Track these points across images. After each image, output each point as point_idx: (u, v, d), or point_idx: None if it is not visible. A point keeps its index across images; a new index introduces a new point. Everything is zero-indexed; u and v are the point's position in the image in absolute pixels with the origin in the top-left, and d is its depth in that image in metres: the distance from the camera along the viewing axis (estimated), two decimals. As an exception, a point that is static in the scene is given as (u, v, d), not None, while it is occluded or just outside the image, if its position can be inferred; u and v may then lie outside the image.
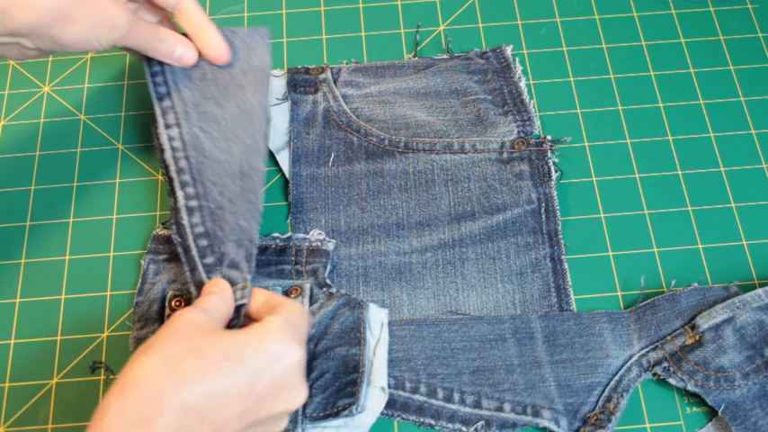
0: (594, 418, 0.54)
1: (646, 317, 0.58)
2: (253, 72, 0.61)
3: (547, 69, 0.69)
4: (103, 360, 0.57)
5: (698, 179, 0.64)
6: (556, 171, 0.63)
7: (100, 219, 0.63)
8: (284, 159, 0.64)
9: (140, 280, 0.59)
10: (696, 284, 0.59)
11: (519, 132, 0.65)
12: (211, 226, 0.55)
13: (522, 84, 0.67)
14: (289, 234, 0.60)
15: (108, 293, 0.60)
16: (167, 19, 0.62)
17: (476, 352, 0.57)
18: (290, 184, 0.63)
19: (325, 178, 0.64)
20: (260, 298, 0.51)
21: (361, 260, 0.60)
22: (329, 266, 0.59)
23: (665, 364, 0.55)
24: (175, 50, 0.58)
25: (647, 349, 0.56)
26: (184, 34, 0.60)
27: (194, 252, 0.54)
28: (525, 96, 0.66)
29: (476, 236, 0.61)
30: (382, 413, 0.55)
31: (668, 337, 0.56)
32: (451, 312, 0.59)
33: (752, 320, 0.55)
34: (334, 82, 0.68)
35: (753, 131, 0.66)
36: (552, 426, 0.54)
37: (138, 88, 0.68)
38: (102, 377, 0.57)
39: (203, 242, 0.54)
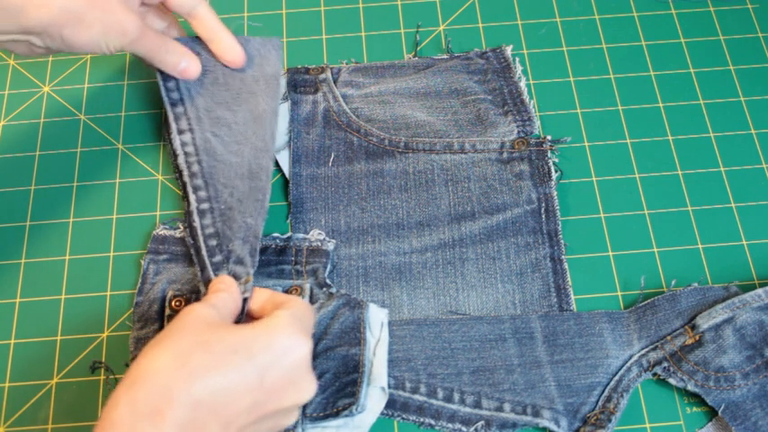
0: (594, 418, 0.54)
1: (646, 317, 0.58)
2: (265, 79, 0.63)
3: (547, 69, 0.69)
4: (103, 360, 0.57)
5: (698, 179, 0.64)
6: (556, 171, 0.63)
7: (100, 219, 0.63)
8: (284, 159, 0.64)
9: (140, 280, 0.59)
10: (696, 284, 0.59)
11: (519, 132, 0.65)
12: (221, 226, 0.56)
13: (522, 84, 0.67)
14: (289, 234, 0.60)
15: (108, 293, 0.60)
16: (175, 24, 0.63)
17: (476, 352, 0.57)
18: (290, 184, 0.63)
19: (325, 178, 0.64)
20: (262, 296, 0.52)
21: (361, 260, 0.60)
22: (329, 266, 0.59)
23: (665, 364, 0.55)
24: (180, 63, 0.60)
25: (647, 349, 0.56)
26: (197, 37, 0.62)
27: (204, 252, 0.55)
28: (525, 96, 0.66)
29: (476, 236, 0.61)
30: (382, 413, 0.55)
31: (668, 337, 0.56)
32: (451, 312, 0.59)
33: (752, 320, 0.55)
34: (334, 82, 0.68)
35: (753, 131, 0.66)
36: (552, 426, 0.54)
37: (138, 88, 0.68)
38: (102, 377, 0.57)
39: (213, 242, 0.56)
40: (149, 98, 0.68)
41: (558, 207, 0.61)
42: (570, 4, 0.72)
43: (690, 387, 0.55)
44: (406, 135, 0.65)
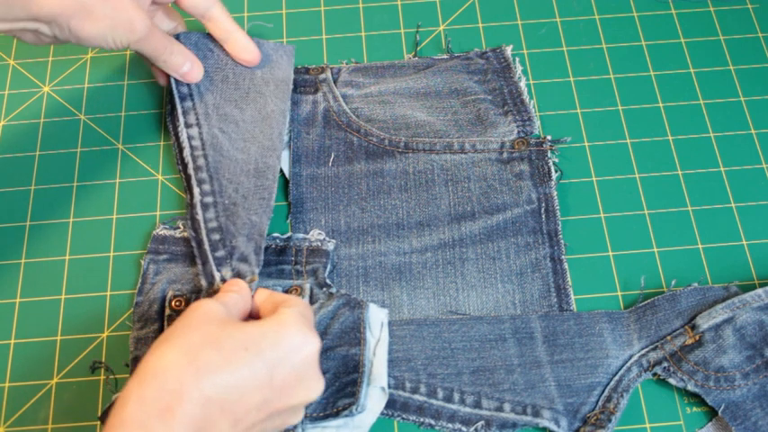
0: (594, 418, 0.54)
1: (646, 317, 0.58)
2: (275, 82, 0.64)
3: (547, 69, 0.69)
4: (103, 360, 0.57)
5: (698, 179, 0.64)
6: (556, 171, 0.63)
7: (100, 219, 0.63)
8: (284, 159, 0.64)
9: (140, 280, 0.59)
10: (696, 284, 0.59)
11: (519, 132, 0.65)
12: (224, 221, 0.57)
13: (522, 84, 0.67)
14: (289, 234, 0.60)
15: (108, 293, 0.60)
16: (183, 26, 0.64)
17: (476, 352, 0.57)
18: (290, 184, 0.63)
19: (325, 178, 0.64)
20: (260, 296, 0.52)
21: (361, 260, 0.60)
22: (329, 266, 0.59)
23: (665, 364, 0.55)
24: (183, 65, 0.60)
25: (647, 349, 0.56)
26: (208, 35, 0.63)
27: (206, 246, 0.56)
28: (525, 96, 0.66)
29: (476, 236, 0.61)
30: (382, 413, 0.55)
31: (668, 337, 0.56)
32: (451, 312, 0.59)
33: (752, 320, 0.55)
34: (334, 82, 0.68)
35: (753, 131, 0.66)
36: (552, 426, 0.54)
37: (138, 88, 0.68)
38: (102, 377, 0.57)
39: (215, 236, 0.56)
40: (149, 98, 0.68)
41: (558, 207, 0.61)
42: (570, 4, 0.72)
43: (690, 387, 0.55)
44: (406, 135, 0.65)
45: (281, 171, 0.64)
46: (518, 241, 0.61)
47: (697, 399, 0.56)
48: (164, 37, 0.58)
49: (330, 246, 0.60)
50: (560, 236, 0.61)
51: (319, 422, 0.53)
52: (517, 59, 0.68)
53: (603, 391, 0.55)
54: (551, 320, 0.58)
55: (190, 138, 0.60)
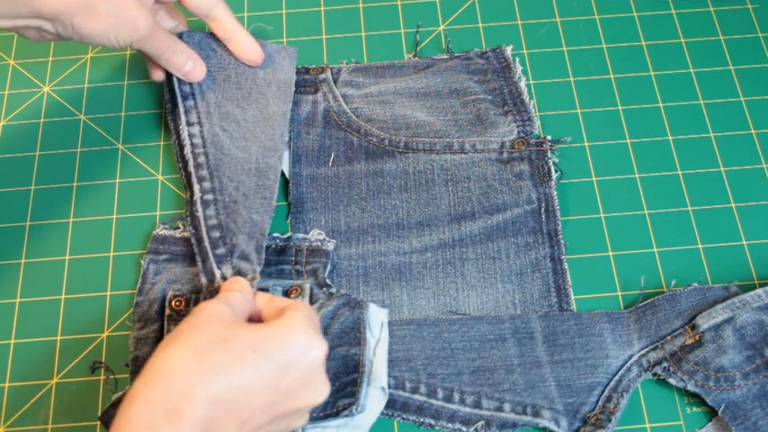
0: (594, 418, 0.54)
1: (646, 317, 0.58)
2: (276, 83, 0.64)
3: (547, 69, 0.69)
4: (103, 360, 0.57)
5: (698, 179, 0.64)
6: (556, 171, 0.63)
7: (100, 219, 0.63)
8: (284, 159, 0.64)
9: (140, 280, 0.59)
10: (696, 284, 0.59)
11: (519, 132, 0.65)
12: (225, 219, 0.57)
13: (522, 84, 0.67)
14: (289, 234, 0.60)
15: (108, 293, 0.60)
16: (184, 24, 0.64)
17: (476, 352, 0.57)
18: (290, 184, 0.63)
19: (325, 178, 0.64)
20: (262, 299, 0.52)
21: (361, 260, 0.60)
22: (329, 266, 0.59)
23: (665, 364, 0.55)
24: (186, 65, 0.61)
25: (647, 349, 0.56)
26: (211, 34, 0.64)
27: (206, 243, 0.56)
28: (525, 96, 0.66)
29: (476, 236, 0.61)
30: (382, 413, 0.55)
31: (668, 337, 0.56)
32: (451, 312, 0.59)
33: (752, 320, 0.55)
34: (335, 82, 0.68)
35: (753, 131, 0.66)
36: (552, 426, 0.54)
37: (138, 88, 0.68)
38: (102, 377, 0.57)
39: (216, 234, 0.56)
40: (149, 98, 0.68)
41: (558, 207, 0.61)
42: (570, 4, 0.72)
43: (690, 387, 0.55)
44: (406, 135, 0.65)
45: (282, 171, 0.64)
46: (518, 241, 0.61)
47: (697, 399, 0.56)
48: (166, 36, 0.59)
49: (330, 246, 0.60)
50: (560, 236, 0.61)
51: (319, 422, 0.53)
52: (517, 59, 0.68)
53: (603, 391, 0.55)
54: (551, 320, 0.58)
55: (191, 135, 0.60)
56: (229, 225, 0.57)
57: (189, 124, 0.61)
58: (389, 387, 0.55)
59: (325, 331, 0.55)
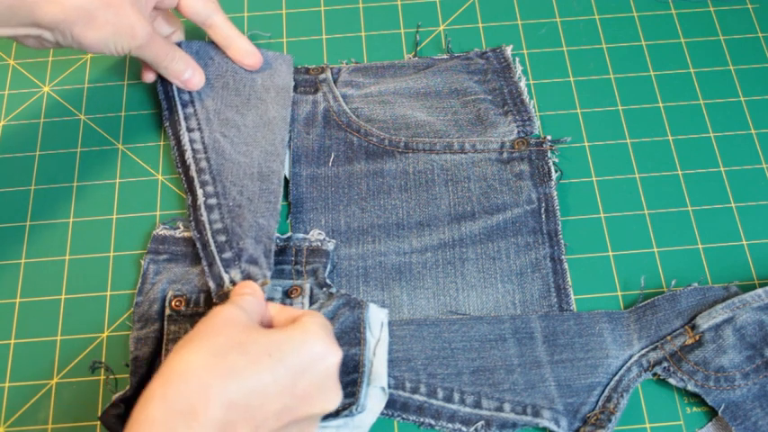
0: (594, 418, 0.54)
1: (646, 317, 0.58)
2: (275, 89, 0.65)
3: (547, 69, 0.69)
4: (103, 360, 0.57)
5: (698, 179, 0.64)
6: (556, 171, 0.63)
7: (100, 219, 0.63)
8: (285, 159, 0.64)
9: (140, 280, 0.59)
10: (696, 284, 0.59)
11: (519, 132, 0.65)
12: (230, 223, 0.57)
13: (522, 84, 0.67)
14: (289, 234, 0.60)
15: (108, 293, 0.60)
16: (181, 30, 0.65)
17: (476, 352, 0.57)
18: (290, 184, 0.63)
19: (325, 178, 0.64)
20: (273, 308, 0.52)
21: (361, 260, 0.60)
22: (329, 266, 0.59)
23: (665, 364, 0.55)
24: (184, 72, 0.61)
25: (647, 349, 0.56)
26: (209, 41, 0.65)
27: (213, 247, 0.56)
28: (525, 96, 0.66)
29: (476, 236, 0.61)
30: (382, 413, 0.55)
31: (668, 337, 0.56)
32: (451, 312, 0.59)
33: (752, 320, 0.55)
34: (335, 82, 0.68)
35: (753, 131, 0.66)
36: (552, 426, 0.54)
37: (138, 88, 0.68)
38: (102, 377, 0.57)
39: (221, 238, 0.57)
40: (149, 98, 0.68)
41: (558, 207, 0.61)
42: (570, 4, 0.72)
43: (690, 387, 0.55)
44: (406, 135, 0.65)
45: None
46: (518, 241, 0.61)
47: (697, 399, 0.56)
48: (165, 43, 0.59)
49: (330, 246, 0.60)
50: (560, 236, 0.61)
51: (319, 422, 0.53)
52: (517, 59, 0.68)
53: (603, 391, 0.55)
54: (551, 320, 0.58)
55: (191, 141, 0.61)
56: (235, 229, 0.57)
57: (189, 130, 0.61)
58: (389, 387, 0.55)
59: (326, 331, 0.55)
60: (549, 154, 0.63)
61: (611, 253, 0.61)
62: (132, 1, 0.55)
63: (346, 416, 0.52)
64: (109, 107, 0.67)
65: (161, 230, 0.61)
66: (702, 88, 0.68)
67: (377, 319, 0.56)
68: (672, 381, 0.55)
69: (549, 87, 0.68)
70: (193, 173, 0.60)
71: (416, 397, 0.55)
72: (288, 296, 0.56)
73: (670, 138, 0.66)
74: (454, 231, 0.61)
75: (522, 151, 0.64)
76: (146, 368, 0.55)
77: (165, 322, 0.56)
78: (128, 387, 0.55)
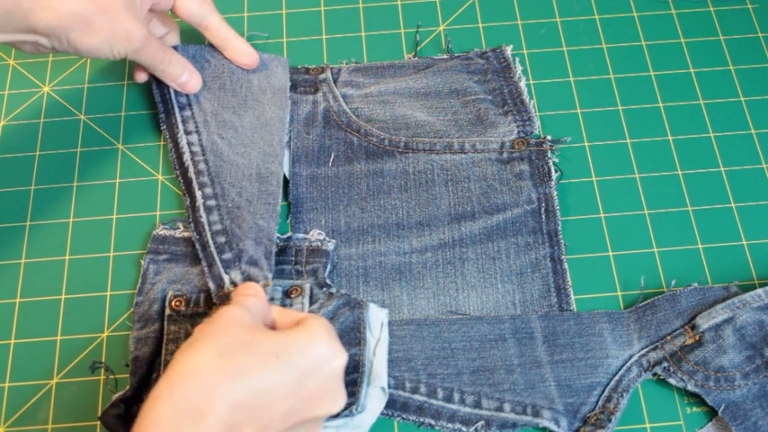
0: (594, 418, 0.54)
1: (646, 317, 0.58)
2: (272, 90, 0.65)
3: (547, 69, 0.69)
4: (103, 360, 0.57)
5: (698, 179, 0.64)
6: (556, 171, 0.63)
7: (100, 219, 0.63)
8: (284, 159, 0.64)
9: (140, 280, 0.59)
10: (696, 284, 0.59)
11: (519, 132, 0.65)
12: (229, 224, 0.57)
13: (522, 84, 0.67)
14: (289, 234, 0.60)
15: (108, 293, 0.60)
16: (176, 31, 0.65)
17: (476, 352, 0.57)
18: (290, 184, 0.63)
19: (325, 178, 0.64)
20: (276, 310, 0.52)
21: (361, 260, 0.60)
22: (329, 266, 0.59)
23: (665, 364, 0.55)
24: (181, 75, 0.62)
25: (647, 349, 0.56)
26: (205, 45, 0.65)
27: (212, 248, 0.56)
28: (525, 96, 0.66)
29: (476, 236, 0.61)
30: (382, 413, 0.55)
31: (668, 337, 0.56)
32: (451, 312, 0.59)
33: (752, 320, 0.55)
34: (335, 82, 0.68)
35: (753, 131, 0.66)
36: (552, 426, 0.54)
37: (138, 88, 0.68)
38: (102, 377, 0.57)
39: (221, 239, 0.57)
40: (149, 98, 0.68)
41: (558, 207, 0.61)
42: (570, 4, 0.72)
43: (690, 387, 0.55)
44: (406, 135, 0.65)
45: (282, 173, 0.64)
46: (518, 241, 0.61)
47: (697, 399, 0.56)
48: (161, 47, 0.59)
49: (330, 246, 0.60)
50: (560, 236, 0.61)
51: (319, 422, 0.53)
52: (517, 59, 0.68)
53: (603, 391, 0.55)
54: (551, 320, 0.58)
55: (189, 144, 0.61)
56: (234, 230, 0.57)
57: (187, 133, 0.61)
58: (389, 387, 0.55)
59: (326, 331, 0.55)
60: (549, 154, 0.63)
61: (611, 253, 0.61)
62: (127, 5, 0.55)
63: (346, 416, 0.52)
64: (109, 107, 0.67)
65: (161, 230, 0.61)
66: (702, 88, 0.68)
67: (377, 319, 0.56)
68: (672, 381, 0.55)
69: (549, 87, 0.68)
70: (192, 174, 0.60)
71: (416, 397, 0.55)
72: (288, 296, 0.56)
73: (670, 138, 0.66)
74: (454, 231, 0.61)
75: (522, 151, 0.64)
76: (146, 368, 0.55)
77: (165, 322, 0.56)
78: (128, 387, 0.55)
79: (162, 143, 0.66)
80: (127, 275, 0.60)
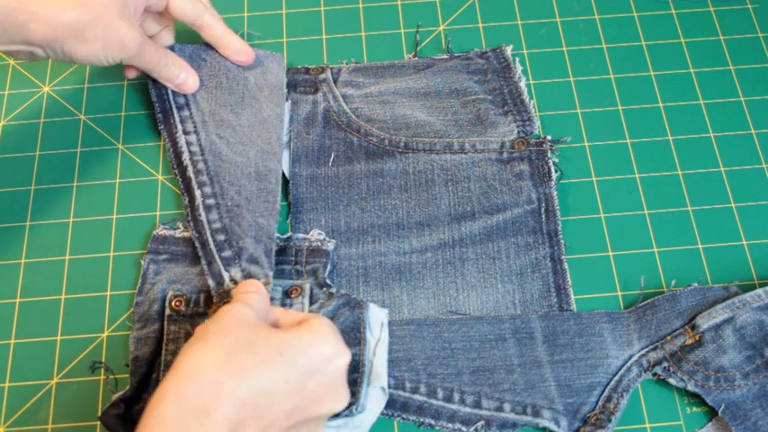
0: (594, 418, 0.54)
1: (646, 317, 0.58)
2: (268, 87, 0.65)
3: (547, 69, 0.69)
4: (103, 360, 0.57)
5: (698, 179, 0.64)
6: (556, 171, 0.63)
7: (100, 219, 0.63)
8: (284, 159, 0.64)
9: (140, 280, 0.59)
10: (696, 284, 0.59)
11: (519, 132, 0.65)
12: (229, 222, 0.57)
13: (522, 84, 0.67)
14: (289, 234, 0.60)
15: (108, 293, 0.60)
16: (171, 28, 0.65)
17: (476, 352, 0.57)
18: (290, 184, 0.63)
19: (325, 178, 0.64)
20: (278, 309, 0.52)
21: (361, 260, 0.60)
22: (329, 266, 0.59)
23: (665, 364, 0.55)
24: (178, 76, 0.62)
25: (647, 349, 0.56)
26: (200, 45, 0.65)
27: (212, 246, 0.56)
28: (525, 96, 0.66)
29: (476, 236, 0.61)
30: (382, 413, 0.55)
31: (668, 337, 0.56)
32: (451, 312, 0.59)
33: (752, 320, 0.55)
34: (335, 82, 0.68)
35: (753, 131, 0.66)
36: (552, 426, 0.54)
37: (138, 88, 0.68)
38: (102, 377, 0.57)
39: (220, 237, 0.57)
40: (149, 98, 0.67)
41: (558, 207, 0.61)
42: (570, 4, 0.72)
43: (690, 387, 0.55)
44: (406, 135, 0.65)
45: (282, 171, 0.64)
46: (518, 241, 0.61)
47: (697, 399, 0.56)
48: (157, 50, 0.59)
49: (330, 246, 0.60)
50: (560, 236, 0.61)
51: (319, 422, 0.53)
52: (517, 59, 0.68)
53: (603, 391, 0.55)
54: (551, 320, 0.58)
55: (188, 143, 0.61)
56: (234, 228, 0.57)
57: (185, 133, 0.62)
58: (389, 387, 0.55)
59: (326, 331, 0.55)
60: (549, 154, 0.63)
61: (611, 253, 0.61)
62: (121, 12, 0.55)
63: (346, 416, 0.52)
64: (109, 107, 0.67)
65: (161, 230, 0.61)
66: (702, 88, 0.68)
67: (377, 319, 0.56)
68: (672, 381, 0.55)
69: (549, 87, 0.68)
70: (191, 174, 0.60)
71: (416, 397, 0.55)
72: (288, 296, 0.56)
73: (670, 138, 0.66)
74: (454, 231, 0.61)
75: (522, 151, 0.64)
76: (146, 368, 0.55)
77: (165, 322, 0.56)
78: (128, 387, 0.55)
79: (162, 143, 0.66)
80: (127, 275, 0.60)
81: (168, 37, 0.64)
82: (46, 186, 0.64)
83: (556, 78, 0.68)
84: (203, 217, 0.58)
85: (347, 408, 0.52)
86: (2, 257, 0.61)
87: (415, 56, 0.70)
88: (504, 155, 0.64)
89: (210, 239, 0.57)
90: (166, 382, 0.42)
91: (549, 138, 0.64)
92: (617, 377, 0.55)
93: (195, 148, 0.61)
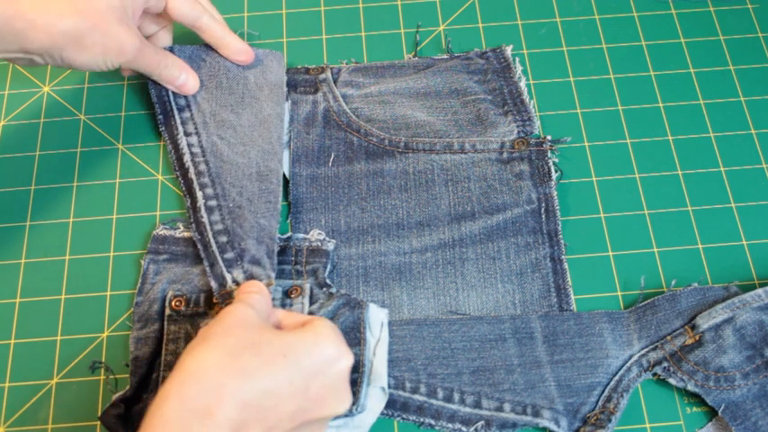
0: (594, 418, 0.54)
1: (646, 317, 0.58)
2: (268, 86, 0.65)
3: (547, 69, 0.69)
4: (103, 360, 0.57)
5: (698, 179, 0.64)
6: (556, 171, 0.63)
7: (100, 219, 0.63)
8: (284, 159, 0.64)
9: (140, 280, 0.59)
10: (696, 284, 0.59)
11: (519, 132, 0.65)
12: (231, 224, 0.57)
13: (522, 84, 0.67)
14: (289, 234, 0.60)
15: (108, 293, 0.60)
16: (170, 28, 0.65)
17: (476, 352, 0.57)
18: (290, 184, 0.63)
19: (325, 178, 0.64)
20: (280, 311, 0.52)
21: (361, 260, 0.60)
22: (329, 266, 0.59)
23: (665, 364, 0.55)
24: (179, 78, 0.62)
25: (647, 349, 0.56)
26: (199, 45, 0.65)
27: (214, 248, 0.56)
28: (525, 96, 0.66)
29: (476, 236, 0.61)
30: (382, 413, 0.55)
31: (668, 337, 0.56)
32: (451, 312, 0.59)
33: (752, 320, 0.55)
34: (335, 82, 0.68)
35: (753, 131, 0.66)
36: (552, 426, 0.54)
37: (138, 88, 0.68)
38: (102, 377, 0.57)
39: (223, 238, 0.57)
40: (149, 98, 0.67)
41: (558, 207, 0.61)
42: (570, 4, 0.72)
43: (690, 387, 0.55)
44: (406, 135, 0.65)
45: (282, 172, 0.64)
46: (518, 241, 0.61)
47: (697, 399, 0.56)
48: (156, 52, 0.59)
49: (330, 246, 0.60)
50: (560, 236, 0.61)
51: (319, 422, 0.53)
52: (517, 59, 0.68)
53: (603, 391, 0.55)
54: (551, 320, 0.58)
55: (189, 145, 0.61)
56: (236, 230, 0.57)
57: (187, 134, 0.62)
58: (389, 387, 0.55)
59: (326, 331, 0.55)
60: (549, 154, 0.63)
61: (611, 253, 0.61)
62: (119, 17, 0.55)
63: (346, 416, 0.52)
64: (109, 107, 0.67)
65: (161, 230, 0.61)
66: (702, 88, 0.68)
67: (377, 319, 0.56)
68: (672, 381, 0.55)
69: (549, 87, 0.68)
70: (192, 176, 0.60)
71: (416, 397, 0.55)
72: (288, 296, 0.56)
73: (670, 138, 0.66)
74: (454, 231, 0.61)
75: (522, 151, 0.64)
76: (146, 368, 0.55)
77: (165, 322, 0.56)
78: (128, 387, 0.55)
79: (162, 143, 0.66)
80: (127, 275, 0.60)
81: (166, 37, 0.64)
82: (46, 186, 0.64)
83: (556, 78, 0.68)
84: (205, 218, 0.58)
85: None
86: (2, 257, 0.61)
87: (415, 56, 0.70)
88: (504, 155, 0.64)
89: (213, 241, 0.57)
90: (169, 383, 0.42)
91: (549, 138, 0.64)
92: (617, 377, 0.55)
93: (197, 150, 0.61)
